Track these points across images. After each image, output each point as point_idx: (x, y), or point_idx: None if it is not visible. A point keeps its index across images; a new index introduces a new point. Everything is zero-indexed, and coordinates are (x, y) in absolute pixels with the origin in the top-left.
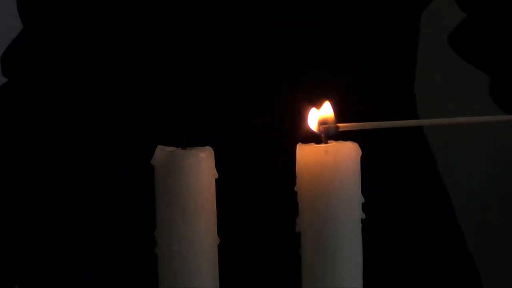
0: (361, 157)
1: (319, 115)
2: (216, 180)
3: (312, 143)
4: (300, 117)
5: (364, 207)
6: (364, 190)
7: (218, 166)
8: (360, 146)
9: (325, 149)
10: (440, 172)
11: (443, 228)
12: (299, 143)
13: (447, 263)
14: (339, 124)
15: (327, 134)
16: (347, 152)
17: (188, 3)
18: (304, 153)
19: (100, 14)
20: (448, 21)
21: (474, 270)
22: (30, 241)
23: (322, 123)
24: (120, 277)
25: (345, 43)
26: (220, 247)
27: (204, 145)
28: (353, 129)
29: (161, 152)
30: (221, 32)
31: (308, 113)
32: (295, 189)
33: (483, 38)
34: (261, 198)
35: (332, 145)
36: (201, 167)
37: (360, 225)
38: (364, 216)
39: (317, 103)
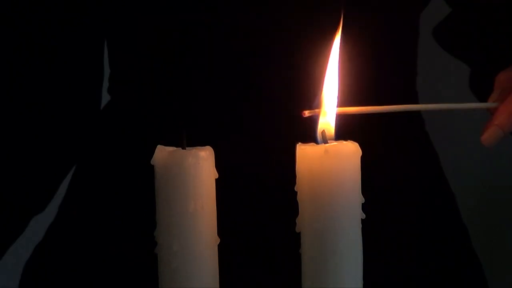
0: (361, 157)
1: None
2: (216, 180)
3: (312, 143)
4: (299, 118)
5: (364, 207)
6: (364, 190)
7: (218, 166)
8: (361, 145)
9: (325, 149)
10: (443, 171)
11: (445, 227)
12: (299, 143)
13: (449, 262)
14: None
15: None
16: (347, 152)
17: (189, 4)
18: (304, 153)
19: (102, 15)
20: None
21: (478, 269)
22: (30, 241)
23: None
24: (120, 277)
25: (347, 41)
26: (220, 247)
27: (204, 145)
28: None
29: (161, 152)
30: (221, 32)
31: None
32: (295, 189)
33: (464, 31)
34: (261, 198)
35: (332, 145)
36: (201, 167)
37: (360, 225)
38: (364, 216)
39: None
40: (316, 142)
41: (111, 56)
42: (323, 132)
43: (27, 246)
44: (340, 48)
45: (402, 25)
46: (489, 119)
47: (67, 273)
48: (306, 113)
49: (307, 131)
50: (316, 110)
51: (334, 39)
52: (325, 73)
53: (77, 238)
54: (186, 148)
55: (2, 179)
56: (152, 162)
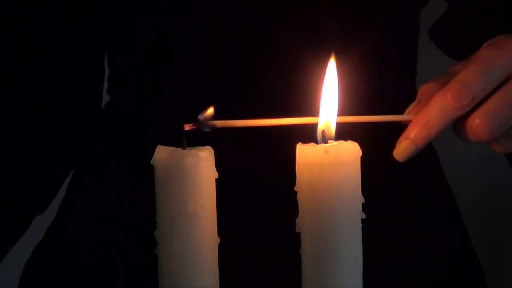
0: (361, 157)
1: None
2: (216, 180)
3: (312, 143)
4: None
5: (364, 207)
6: (364, 190)
7: (218, 166)
8: (360, 145)
9: (325, 149)
10: (443, 171)
11: (445, 227)
12: (299, 143)
13: (449, 262)
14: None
15: None
16: (347, 152)
17: (189, 4)
18: (304, 153)
19: (102, 15)
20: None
21: (478, 269)
22: (30, 241)
23: None
24: (120, 277)
25: (347, 40)
26: (220, 247)
27: (204, 145)
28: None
29: (161, 152)
30: (221, 32)
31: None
32: (295, 189)
33: (460, 31)
34: (261, 198)
35: (332, 145)
36: (201, 167)
37: (360, 225)
38: (364, 216)
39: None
40: (316, 142)
41: (110, 56)
42: (323, 132)
43: (27, 246)
44: (339, 51)
45: (402, 25)
46: (403, 132)
47: (67, 273)
48: (187, 127)
49: (307, 131)
50: (198, 124)
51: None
52: (325, 74)
53: (77, 238)
54: (186, 148)
55: (3, 179)
56: (152, 162)
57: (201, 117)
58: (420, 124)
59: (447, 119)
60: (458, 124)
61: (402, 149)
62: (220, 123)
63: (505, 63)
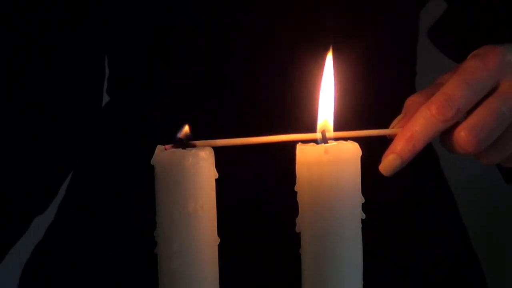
0: (361, 157)
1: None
2: (216, 180)
3: (312, 143)
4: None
5: (364, 207)
6: (364, 190)
7: (218, 166)
8: (360, 145)
9: (325, 149)
10: (443, 171)
11: (445, 227)
12: (299, 143)
13: (449, 262)
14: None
15: None
16: (347, 152)
17: (189, 4)
18: (304, 153)
19: (102, 15)
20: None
21: (478, 269)
22: (30, 241)
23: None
24: (120, 277)
25: (347, 40)
26: (220, 247)
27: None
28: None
29: (161, 152)
30: (221, 32)
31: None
32: (295, 189)
33: (458, 32)
34: (261, 198)
35: (332, 145)
36: (201, 167)
37: (360, 225)
38: (364, 216)
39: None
40: (316, 142)
41: (110, 56)
42: (323, 132)
43: (27, 246)
44: (337, 52)
45: (402, 25)
46: (389, 147)
47: (67, 273)
48: (167, 148)
49: (307, 131)
50: (178, 144)
51: (330, 48)
52: (322, 75)
53: (76, 238)
54: (186, 148)
55: (3, 179)
56: (152, 162)
57: (180, 135)
58: (405, 138)
59: (432, 133)
60: (444, 136)
61: (388, 163)
62: (200, 142)
63: (489, 74)
